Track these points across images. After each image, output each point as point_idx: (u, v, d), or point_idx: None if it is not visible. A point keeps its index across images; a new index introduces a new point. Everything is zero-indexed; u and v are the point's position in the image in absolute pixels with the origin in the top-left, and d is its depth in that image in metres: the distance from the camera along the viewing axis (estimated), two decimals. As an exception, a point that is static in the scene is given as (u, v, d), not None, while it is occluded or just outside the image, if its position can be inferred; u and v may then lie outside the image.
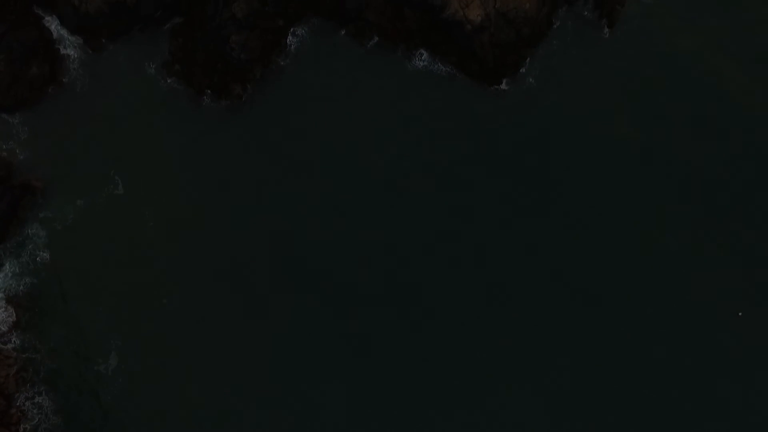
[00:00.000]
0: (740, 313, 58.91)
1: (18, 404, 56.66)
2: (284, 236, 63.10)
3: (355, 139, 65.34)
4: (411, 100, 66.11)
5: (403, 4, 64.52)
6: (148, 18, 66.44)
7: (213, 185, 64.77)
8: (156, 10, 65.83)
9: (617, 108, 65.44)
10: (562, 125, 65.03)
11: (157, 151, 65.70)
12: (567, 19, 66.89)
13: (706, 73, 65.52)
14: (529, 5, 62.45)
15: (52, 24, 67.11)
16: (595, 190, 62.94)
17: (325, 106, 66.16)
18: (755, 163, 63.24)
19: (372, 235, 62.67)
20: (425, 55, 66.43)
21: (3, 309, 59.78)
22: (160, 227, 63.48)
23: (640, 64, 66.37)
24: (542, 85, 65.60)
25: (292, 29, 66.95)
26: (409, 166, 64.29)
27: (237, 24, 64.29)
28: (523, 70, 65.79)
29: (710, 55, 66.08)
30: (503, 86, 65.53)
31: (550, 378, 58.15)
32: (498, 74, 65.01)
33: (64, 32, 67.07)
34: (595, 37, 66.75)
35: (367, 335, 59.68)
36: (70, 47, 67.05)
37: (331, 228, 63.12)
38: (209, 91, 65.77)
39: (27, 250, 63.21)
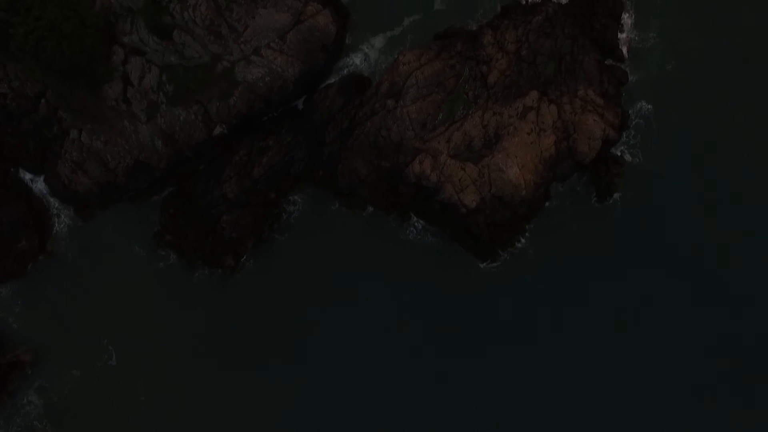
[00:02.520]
0: None
1: None
2: (276, 414, 63.72)
3: (347, 311, 65.09)
4: (406, 273, 65.28)
5: (397, 182, 63.28)
6: (139, 189, 65.27)
7: (204, 357, 64.99)
8: (146, 184, 64.58)
9: (613, 281, 64.84)
10: (558, 300, 64.62)
11: (149, 322, 65.64)
12: (564, 194, 65.66)
13: (699, 248, 64.65)
14: (525, 191, 61.33)
15: (41, 191, 66.18)
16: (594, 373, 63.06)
17: (318, 278, 65.55)
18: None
19: (360, 404, 63.08)
20: (419, 225, 65.57)
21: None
22: (150, 402, 64.09)
23: (637, 236, 65.48)
24: (540, 260, 64.80)
25: (285, 199, 65.84)
26: (405, 342, 64.24)
27: (228, 203, 63.27)
28: (519, 244, 64.97)
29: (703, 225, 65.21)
30: (499, 260, 64.76)
31: None
32: (494, 248, 64.25)
33: (53, 201, 66.11)
34: (591, 210, 65.60)
35: None
36: (59, 216, 66.26)
37: (322, 403, 63.67)
38: (201, 263, 65.14)
39: (21, 419, 64.21)
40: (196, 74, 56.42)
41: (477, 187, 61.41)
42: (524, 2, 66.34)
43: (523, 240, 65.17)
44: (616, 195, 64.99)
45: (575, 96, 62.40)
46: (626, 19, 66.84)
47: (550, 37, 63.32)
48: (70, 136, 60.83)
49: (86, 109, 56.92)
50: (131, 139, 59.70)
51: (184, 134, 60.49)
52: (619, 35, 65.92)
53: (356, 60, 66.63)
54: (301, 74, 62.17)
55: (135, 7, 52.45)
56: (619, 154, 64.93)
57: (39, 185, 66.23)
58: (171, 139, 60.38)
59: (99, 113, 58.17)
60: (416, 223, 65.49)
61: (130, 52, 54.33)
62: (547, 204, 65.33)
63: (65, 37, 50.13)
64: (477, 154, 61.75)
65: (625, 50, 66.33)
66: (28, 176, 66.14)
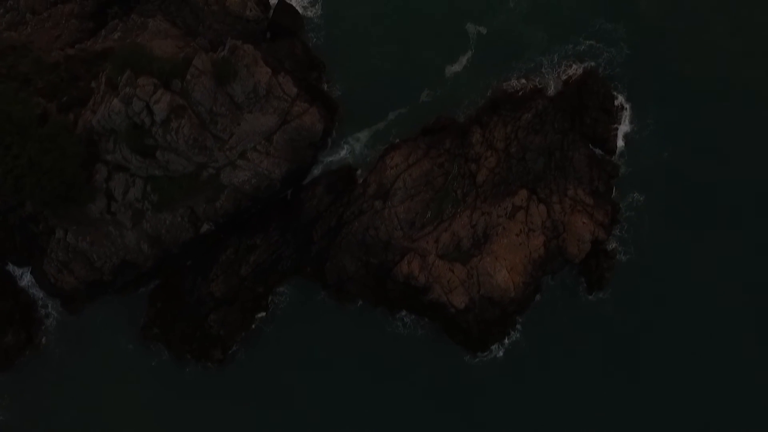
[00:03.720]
0: None
1: None
2: None
3: (336, 402, 64.64)
4: (395, 364, 64.80)
5: (386, 278, 62.76)
6: (126, 282, 64.78)
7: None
8: (133, 278, 64.08)
9: (605, 376, 64.42)
10: (549, 393, 64.17)
11: (138, 417, 65.15)
12: (554, 287, 65.13)
13: (690, 345, 64.18)
14: (514, 292, 60.81)
15: (28, 284, 65.75)
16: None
17: (306, 370, 65.08)
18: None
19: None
20: (408, 318, 65.11)
21: None
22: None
23: (627, 330, 64.97)
24: (531, 353, 64.34)
25: (273, 290, 65.39)
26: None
27: (215, 301, 62.84)
28: (509, 338, 64.51)
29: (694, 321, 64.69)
30: (489, 353, 64.28)
31: None
32: (484, 342, 63.77)
33: (40, 294, 65.66)
34: (582, 303, 65.09)
35: None
36: (46, 309, 65.83)
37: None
38: (188, 356, 64.73)
39: None
40: (181, 184, 55.85)
41: (466, 288, 60.90)
42: (512, 92, 65.76)
43: (513, 333, 64.71)
44: (606, 288, 64.55)
45: (565, 195, 61.82)
46: (619, 107, 66.20)
47: (539, 133, 62.72)
48: (55, 235, 60.33)
49: (70, 215, 56.36)
50: (117, 242, 59.23)
51: (170, 236, 60.00)
52: (612, 125, 65.20)
53: (342, 152, 66.15)
54: (288, 173, 61.63)
55: (117, 128, 51.79)
56: (610, 248, 64.28)
57: (26, 278, 65.78)
58: (157, 240, 59.89)
59: (83, 219, 57.65)
60: (405, 317, 65.04)
61: (114, 168, 53.76)
62: (537, 296, 64.80)
63: (45, 173, 49.63)
64: (466, 254, 61.21)
65: (618, 140, 65.70)
66: (14, 269, 65.71)
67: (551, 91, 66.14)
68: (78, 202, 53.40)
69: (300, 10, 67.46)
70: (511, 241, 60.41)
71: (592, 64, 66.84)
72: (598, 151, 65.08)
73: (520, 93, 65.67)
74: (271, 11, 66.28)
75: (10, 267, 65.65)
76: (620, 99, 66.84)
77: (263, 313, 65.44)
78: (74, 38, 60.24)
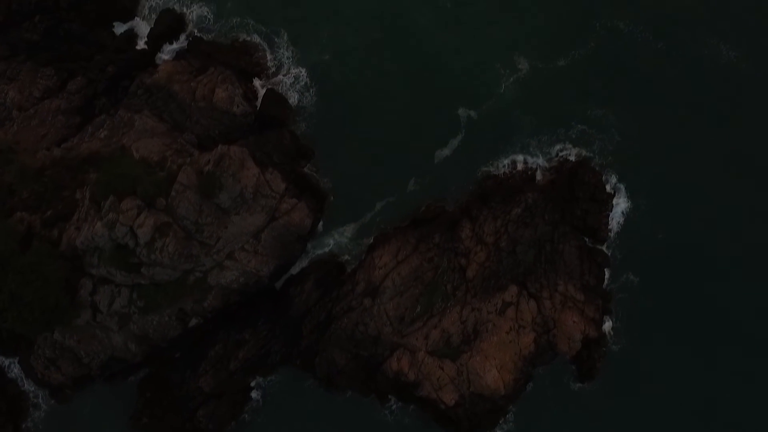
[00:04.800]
0: None
1: None
2: None
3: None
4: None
5: (376, 372, 62.44)
6: (115, 372, 64.42)
7: None
8: (121, 369, 63.71)
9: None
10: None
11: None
12: (545, 375, 64.81)
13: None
14: (504, 390, 60.47)
15: (16, 374, 65.33)
16: None
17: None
18: None
19: None
20: (397, 406, 64.82)
21: None
22: None
23: (619, 417, 64.76)
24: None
25: (261, 379, 65.07)
26: None
27: (204, 396, 62.46)
28: (499, 430, 64.23)
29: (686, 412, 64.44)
30: (481, 441, 64.01)
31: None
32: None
33: (28, 384, 65.23)
34: (572, 393, 64.83)
35: None
36: (35, 400, 65.39)
37: None
38: (179, 446, 64.45)
39: None
40: (167, 291, 55.45)
41: (455, 385, 60.61)
42: (502, 179, 65.50)
43: (504, 423, 64.40)
44: (597, 378, 64.26)
45: (555, 290, 61.51)
46: (610, 194, 65.86)
47: (529, 226, 62.40)
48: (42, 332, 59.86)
49: (57, 319, 55.95)
50: (104, 342, 58.87)
51: (158, 333, 59.64)
52: (604, 214, 64.84)
53: (330, 242, 65.84)
54: (276, 268, 61.26)
55: (102, 248, 51.43)
56: (601, 338, 63.97)
57: (14, 369, 65.37)
58: (145, 339, 59.55)
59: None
60: (394, 405, 64.72)
61: (98, 281, 53.37)
62: (529, 385, 64.44)
63: (26, 305, 49.28)
64: (456, 351, 60.91)
65: (609, 227, 65.38)
66: (2, 360, 65.27)
67: (541, 177, 65.82)
68: (62, 323, 53.07)
69: (289, 98, 67.03)
70: (501, 339, 60.11)
71: (583, 151, 66.47)
72: (589, 240, 64.75)
73: (510, 181, 65.32)
74: (259, 101, 65.78)
75: (-1, 358, 65.31)
76: (612, 183, 66.49)
77: (252, 403, 65.13)
78: (61, 136, 59.77)
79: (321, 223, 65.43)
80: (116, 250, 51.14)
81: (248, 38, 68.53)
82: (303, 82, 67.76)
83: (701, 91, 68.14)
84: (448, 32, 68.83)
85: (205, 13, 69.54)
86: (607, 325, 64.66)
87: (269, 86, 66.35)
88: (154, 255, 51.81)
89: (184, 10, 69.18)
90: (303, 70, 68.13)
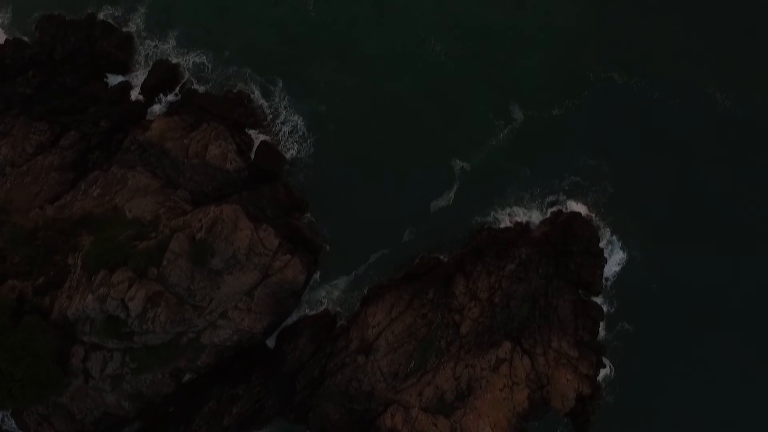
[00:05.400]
0: None
1: None
2: None
3: None
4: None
5: (370, 426, 62.30)
6: (109, 427, 64.24)
7: None
8: (115, 422, 63.56)
9: None
10: None
11: None
12: (539, 429, 64.65)
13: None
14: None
15: (10, 428, 65.16)
16: None
17: None
18: None
19: None
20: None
21: None
22: None
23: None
24: None
25: (257, 433, 65.06)
26: None
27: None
28: (493, 482, 64.04)
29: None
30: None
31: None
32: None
33: (21, 436, 65.19)
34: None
35: None
36: (28, 452, 65.29)
37: None
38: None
39: None
40: (160, 354, 55.34)
41: (447, 452, 60.50)
42: (496, 232, 65.39)
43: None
44: (592, 430, 64.15)
45: (549, 347, 61.42)
46: (604, 246, 65.82)
47: (524, 281, 62.33)
48: (35, 389, 59.74)
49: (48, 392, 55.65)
50: (98, 400, 58.73)
51: (151, 391, 59.53)
52: (598, 267, 64.69)
53: (324, 295, 65.67)
54: (270, 324, 61.19)
55: (94, 317, 51.37)
56: (596, 388, 63.87)
57: (9, 423, 65.24)
58: (138, 396, 59.42)
59: (62, 382, 57.14)
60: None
61: (91, 348, 53.27)
62: (524, 436, 64.45)
63: (17, 382, 49.19)
64: (449, 407, 60.78)
65: (604, 280, 65.31)
66: (-4, 411, 65.24)
67: (535, 230, 65.71)
68: (53, 394, 52.98)
69: (285, 148, 66.99)
70: (494, 396, 60.00)
71: (577, 203, 66.41)
72: (583, 292, 64.65)
73: (504, 233, 65.20)
74: (254, 152, 65.69)
75: (-8, 410, 65.13)
76: (606, 235, 66.46)
77: (247, 455, 65.01)
78: (54, 193, 59.70)
79: (313, 279, 65.20)
80: (108, 321, 51.08)
81: (245, 87, 68.52)
82: (299, 132, 67.76)
83: (696, 141, 68.13)
84: (443, 82, 68.86)
85: (202, 61, 69.63)
86: (603, 375, 64.56)
87: (264, 138, 66.25)
88: (146, 325, 51.76)
89: (181, 59, 69.19)
90: (299, 120, 68.13)
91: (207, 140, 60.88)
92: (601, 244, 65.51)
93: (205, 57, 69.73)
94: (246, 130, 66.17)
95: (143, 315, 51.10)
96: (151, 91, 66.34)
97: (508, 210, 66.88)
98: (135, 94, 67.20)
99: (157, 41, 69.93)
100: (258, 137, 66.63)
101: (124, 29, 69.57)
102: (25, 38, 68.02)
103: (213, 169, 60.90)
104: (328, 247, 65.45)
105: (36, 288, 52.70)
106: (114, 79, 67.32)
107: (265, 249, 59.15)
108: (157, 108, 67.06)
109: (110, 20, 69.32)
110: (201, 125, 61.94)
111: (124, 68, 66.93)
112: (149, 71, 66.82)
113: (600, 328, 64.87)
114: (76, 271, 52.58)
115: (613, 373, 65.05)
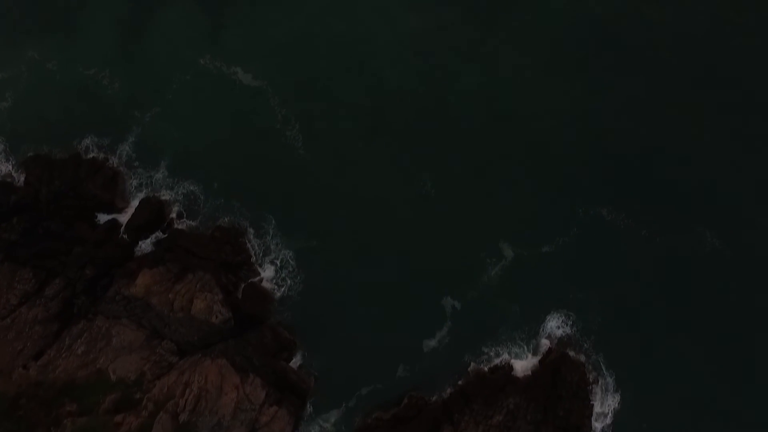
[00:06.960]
0: None
1: None
2: None
3: None
4: None
5: None
6: None
7: None
8: None
9: None
10: None
11: None
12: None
13: None
14: None
15: None
16: None
17: None
18: None
19: None
20: None
21: None
22: None
23: None
24: None
25: None
26: None
27: None
28: None
29: None
30: None
31: None
32: None
33: None
34: None
35: None
36: None
37: None
38: None
39: None
40: None
41: None
42: (484, 375, 65.12)
43: None
44: None
45: (537, 500, 60.94)
46: (593, 387, 65.47)
47: (512, 429, 61.85)
48: None
49: None
50: None
51: None
52: (587, 410, 64.34)
53: (317, 430, 65.05)
54: (259, 475, 60.58)
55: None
56: None
57: None
58: None
59: None
60: None
61: None
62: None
63: None
64: None
65: (594, 420, 64.92)
66: None
67: (524, 373, 65.34)
68: None
69: (273, 285, 66.59)
70: None
71: (566, 344, 66.10)
72: (573, 436, 64.33)
73: (494, 376, 64.84)
74: (240, 292, 65.24)
75: None
76: (595, 376, 66.04)
77: None
78: (37, 348, 59.16)
79: (302, 419, 64.62)
80: None
81: (234, 221, 68.19)
82: (288, 269, 67.29)
83: (684, 278, 67.96)
84: (432, 220, 68.65)
85: (191, 192, 69.31)
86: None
87: (252, 279, 65.79)
88: None
89: (168, 192, 68.84)
90: (288, 256, 67.70)
91: (192, 293, 60.42)
92: (591, 387, 65.07)
93: (195, 187, 69.46)
94: (234, 270, 65.61)
95: (125, 504, 50.60)
96: (137, 230, 65.83)
97: (497, 350, 66.44)
98: (122, 232, 66.65)
99: (146, 170, 69.69)
100: (246, 277, 66.10)
101: (112, 159, 69.27)
102: (13, 172, 67.66)
103: (198, 321, 60.40)
104: (315, 380, 64.59)
105: (17, 470, 52.21)
106: (102, 218, 66.74)
107: (251, 404, 58.67)
108: (143, 245, 66.54)
109: (97, 152, 68.94)
110: (186, 276, 61.47)
111: (111, 207, 66.40)
112: (135, 210, 66.32)
113: (589, 472, 64.53)
114: (58, 452, 52.13)
115: None
